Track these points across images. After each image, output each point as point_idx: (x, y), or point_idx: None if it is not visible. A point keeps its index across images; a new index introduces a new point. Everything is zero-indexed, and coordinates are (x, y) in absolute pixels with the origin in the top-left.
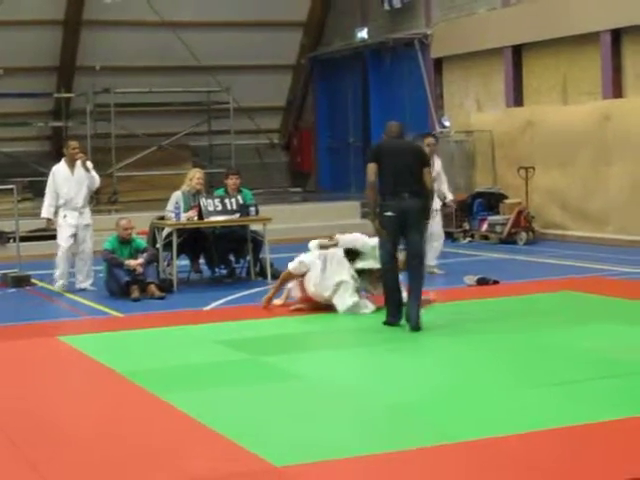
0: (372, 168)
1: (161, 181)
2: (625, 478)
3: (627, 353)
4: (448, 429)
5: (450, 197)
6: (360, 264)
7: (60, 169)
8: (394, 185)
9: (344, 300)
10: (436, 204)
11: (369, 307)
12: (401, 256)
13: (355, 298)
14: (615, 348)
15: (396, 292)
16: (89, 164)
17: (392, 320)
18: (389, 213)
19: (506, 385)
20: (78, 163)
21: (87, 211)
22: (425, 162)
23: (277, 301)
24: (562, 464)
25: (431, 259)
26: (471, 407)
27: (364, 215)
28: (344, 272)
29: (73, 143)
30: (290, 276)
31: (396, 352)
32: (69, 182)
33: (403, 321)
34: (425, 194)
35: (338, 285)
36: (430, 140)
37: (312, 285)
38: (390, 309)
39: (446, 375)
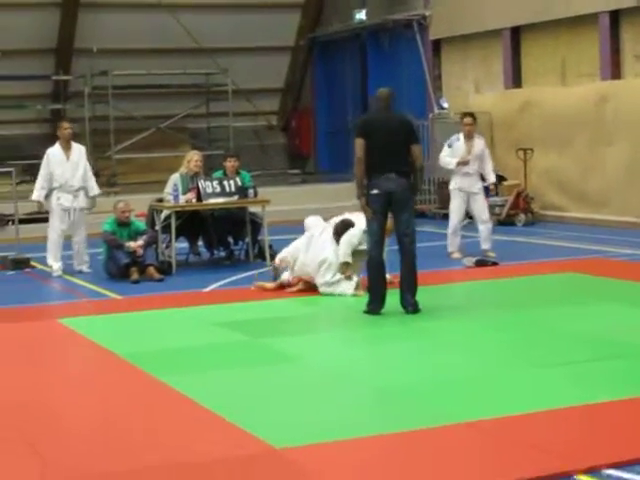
0: (360, 144)
1: (160, 163)
2: (629, 458)
3: (630, 334)
4: (453, 410)
5: (492, 179)
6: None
7: (55, 151)
8: (381, 164)
9: (325, 279)
10: (475, 186)
11: (350, 289)
12: (388, 223)
13: (337, 277)
14: (618, 329)
15: (380, 280)
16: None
17: (373, 308)
18: (375, 191)
19: (508, 366)
20: (73, 145)
21: (82, 194)
22: (415, 138)
23: (269, 284)
24: (566, 444)
25: (483, 242)
26: (472, 388)
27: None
28: (326, 250)
29: (65, 123)
30: (280, 265)
31: (395, 334)
32: (63, 165)
33: (384, 309)
34: (414, 171)
35: (320, 264)
36: (467, 120)
37: (297, 266)
38: (372, 297)
39: (446, 356)
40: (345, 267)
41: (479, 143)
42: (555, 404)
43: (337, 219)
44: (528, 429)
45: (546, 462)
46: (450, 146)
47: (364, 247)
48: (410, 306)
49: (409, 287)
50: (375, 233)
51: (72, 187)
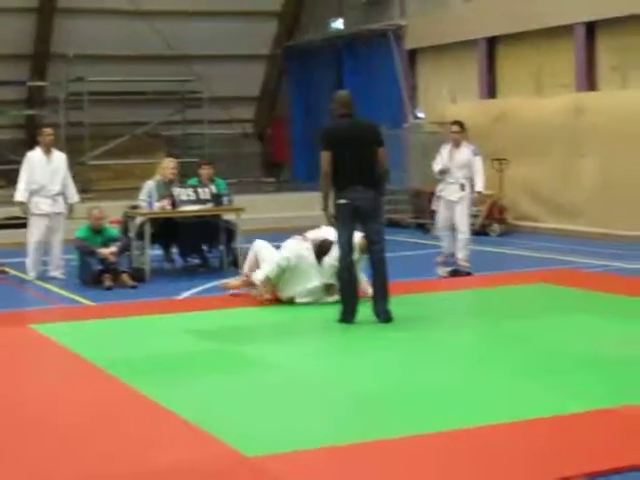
0: (326, 157)
1: (134, 170)
2: (611, 466)
3: (599, 345)
4: (425, 419)
5: (479, 187)
6: (332, 259)
7: (35, 155)
8: (347, 177)
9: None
10: (454, 194)
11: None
12: (357, 238)
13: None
14: (587, 340)
15: (352, 289)
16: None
17: (346, 317)
18: (342, 201)
19: (480, 376)
20: (54, 152)
21: (61, 199)
22: (380, 142)
23: (234, 281)
24: (538, 454)
25: (458, 251)
26: (446, 397)
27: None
28: (314, 278)
29: (47, 129)
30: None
31: (369, 343)
32: (44, 169)
33: (358, 318)
34: (379, 176)
35: (308, 292)
36: (453, 128)
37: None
38: (345, 306)
39: (421, 366)
40: (330, 287)
41: (465, 152)
42: (527, 414)
43: (315, 235)
44: (500, 439)
45: (518, 472)
46: (440, 153)
47: None
48: (382, 314)
49: (381, 296)
50: (345, 244)
51: (51, 191)
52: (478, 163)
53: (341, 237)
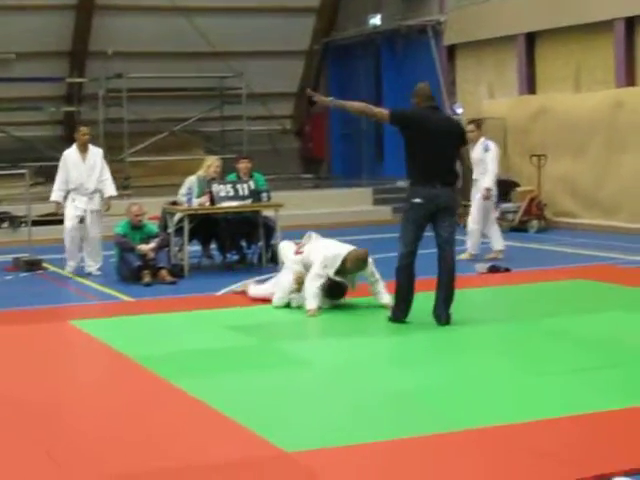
0: (384, 113)
1: (173, 167)
2: (635, 466)
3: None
4: (456, 417)
5: (484, 184)
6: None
7: (71, 154)
8: (425, 173)
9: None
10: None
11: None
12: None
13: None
14: (627, 336)
15: (409, 290)
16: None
17: (398, 316)
18: (417, 200)
19: (516, 373)
20: (90, 148)
21: (97, 197)
22: (464, 141)
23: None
24: (571, 452)
25: (467, 240)
26: (479, 395)
27: (376, 201)
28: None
29: (84, 129)
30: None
31: (407, 340)
32: (79, 167)
33: (409, 318)
34: (462, 177)
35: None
36: (469, 127)
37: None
38: (399, 305)
39: (454, 363)
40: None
41: (479, 149)
42: (564, 411)
43: (313, 249)
44: (537, 436)
45: (554, 469)
46: None
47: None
48: (444, 318)
49: (446, 301)
50: (410, 243)
51: (87, 190)
52: (488, 159)
53: (407, 236)
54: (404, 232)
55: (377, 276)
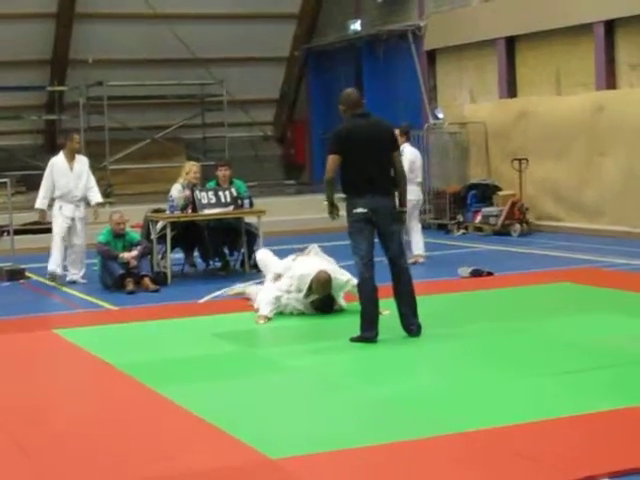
0: (334, 162)
1: (155, 174)
2: (626, 467)
3: (624, 343)
4: (446, 420)
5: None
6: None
7: (59, 161)
8: (362, 184)
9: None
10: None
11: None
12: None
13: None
14: (612, 338)
15: (374, 304)
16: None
17: (368, 335)
18: (358, 210)
19: (505, 376)
20: (77, 157)
21: (83, 205)
22: (396, 146)
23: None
24: (562, 454)
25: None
26: (469, 398)
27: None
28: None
29: (77, 136)
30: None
31: (391, 345)
32: (67, 175)
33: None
34: (398, 183)
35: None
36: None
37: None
38: (366, 323)
39: (443, 367)
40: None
41: (407, 155)
42: (551, 414)
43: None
44: (525, 439)
45: (541, 472)
46: None
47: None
48: (414, 329)
49: (411, 311)
50: (365, 254)
51: (75, 197)
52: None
53: (360, 249)
54: (355, 245)
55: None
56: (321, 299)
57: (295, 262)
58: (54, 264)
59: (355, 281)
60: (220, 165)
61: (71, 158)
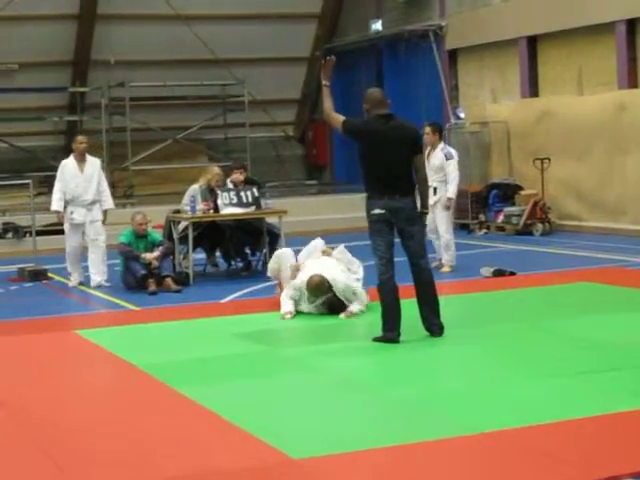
0: (337, 118)
1: (176, 174)
2: None
3: None
4: (468, 421)
5: (449, 193)
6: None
7: (69, 164)
8: (382, 185)
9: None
10: (430, 198)
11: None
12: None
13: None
14: (634, 338)
15: (396, 304)
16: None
17: (390, 336)
18: (377, 211)
19: (527, 376)
20: (88, 159)
21: (96, 207)
22: (420, 148)
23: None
24: (584, 454)
25: (442, 254)
26: (491, 399)
27: None
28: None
29: (80, 137)
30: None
31: (413, 345)
32: (77, 178)
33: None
34: (420, 185)
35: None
36: (426, 129)
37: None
38: (388, 323)
39: (465, 367)
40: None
41: (439, 155)
42: (573, 414)
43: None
44: (546, 439)
45: (564, 472)
46: None
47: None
48: (436, 329)
49: (433, 312)
50: (384, 254)
51: (85, 201)
52: (450, 167)
53: (379, 249)
54: (375, 245)
55: (355, 293)
56: (327, 301)
57: (305, 263)
58: (72, 273)
59: (359, 289)
60: (235, 168)
61: (81, 160)
